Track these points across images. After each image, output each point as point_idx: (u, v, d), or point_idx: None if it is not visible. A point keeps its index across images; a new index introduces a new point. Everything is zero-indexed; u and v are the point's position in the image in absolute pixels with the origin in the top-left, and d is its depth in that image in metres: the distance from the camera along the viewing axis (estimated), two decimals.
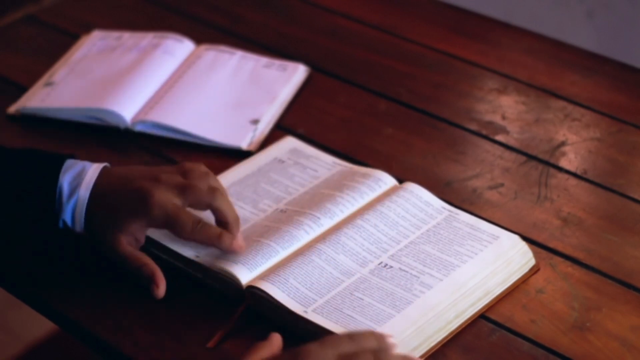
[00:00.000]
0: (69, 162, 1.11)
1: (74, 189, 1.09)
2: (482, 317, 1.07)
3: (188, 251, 1.11)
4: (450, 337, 1.05)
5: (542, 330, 1.05)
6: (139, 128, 1.33)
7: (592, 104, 1.38)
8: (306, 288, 1.06)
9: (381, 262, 1.10)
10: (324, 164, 1.25)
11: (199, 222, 1.07)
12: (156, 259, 1.11)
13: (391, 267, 1.09)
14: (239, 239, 1.09)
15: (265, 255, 1.09)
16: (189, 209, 1.09)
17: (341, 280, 1.08)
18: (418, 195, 1.17)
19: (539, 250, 1.14)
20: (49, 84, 1.40)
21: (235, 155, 1.29)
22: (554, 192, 1.23)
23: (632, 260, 1.13)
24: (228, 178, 1.23)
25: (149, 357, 1.04)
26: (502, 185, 1.24)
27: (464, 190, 1.24)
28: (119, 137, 1.33)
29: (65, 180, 1.09)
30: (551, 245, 1.15)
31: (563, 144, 1.31)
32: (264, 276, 1.07)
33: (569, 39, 1.54)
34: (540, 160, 1.28)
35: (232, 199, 1.18)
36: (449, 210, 1.16)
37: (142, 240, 1.10)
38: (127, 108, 1.34)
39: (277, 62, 1.45)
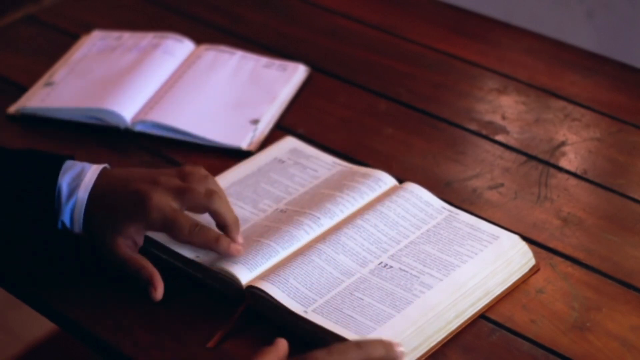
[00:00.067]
0: (68, 163, 1.11)
1: (72, 190, 1.09)
2: (482, 317, 1.07)
3: (188, 251, 1.10)
4: (450, 337, 1.05)
5: (542, 330, 1.05)
6: (139, 128, 1.33)
7: (592, 104, 1.38)
8: (306, 288, 1.06)
9: (381, 262, 1.10)
10: (324, 164, 1.25)
11: (197, 225, 1.07)
12: (156, 259, 1.11)
13: (391, 267, 1.09)
14: (239, 240, 1.09)
15: (265, 255, 1.09)
16: (187, 213, 1.09)
17: (341, 280, 1.08)
18: (418, 195, 1.17)
19: (539, 250, 1.14)
20: (49, 84, 1.40)
21: (235, 155, 1.29)
22: (554, 192, 1.23)
23: (632, 260, 1.13)
24: (228, 178, 1.23)
25: (149, 357, 1.04)
26: (502, 185, 1.24)
27: (464, 190, 1.24)
28: (119, 137, 1.33)
29: (64, 181, 1.09)
30: (551, 245, 1.15)
31: (563, 144, 1.31)
32: (264, 276, 1.07)
33: (569, 39, 1.54)
34: (540, 160, 1.28)
35: (232, 199, 1.18)
36: (449, 210, 1.16)
37: (141, 242, 1.10)
38: (127, 108, 1.34)
39: (277, 62, 1.45)
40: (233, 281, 1.07)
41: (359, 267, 1.09)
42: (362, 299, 1.06)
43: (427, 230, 1.14)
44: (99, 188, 1.09)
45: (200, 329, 1.06)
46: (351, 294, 1.06)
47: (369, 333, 1.01)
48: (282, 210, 1.17)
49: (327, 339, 1.02)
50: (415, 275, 1.08)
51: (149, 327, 1.06)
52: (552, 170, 1.27)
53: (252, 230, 1.14)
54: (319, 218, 1.14)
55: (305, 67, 1.44)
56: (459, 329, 1.05)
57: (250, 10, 1.59)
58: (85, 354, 1.46)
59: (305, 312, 1.04)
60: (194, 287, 1.10)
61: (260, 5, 1.60)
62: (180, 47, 1.46)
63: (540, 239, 1.16)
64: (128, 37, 1.48)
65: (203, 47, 1.48)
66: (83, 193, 1.09)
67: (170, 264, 1.12)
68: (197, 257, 1.10)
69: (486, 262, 1.10)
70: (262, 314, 1.06)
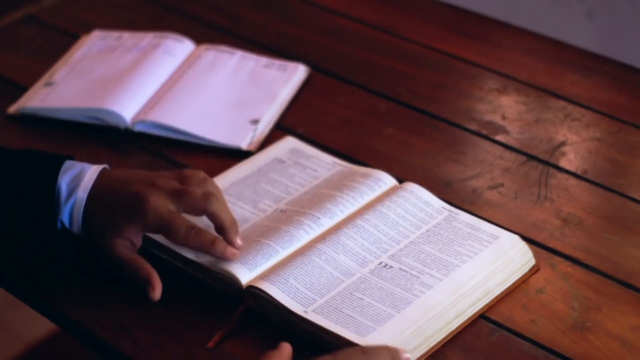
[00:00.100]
0: (67, 164, 1.11)
1: (72, 190, 1.09)
2: (482, 317, 1.07)
3: (188, 251, 1.10)
4: (450, 337, 1.05)
5: (542, 330, 1.05)
6: (139, 128, 1.33)
7: (592, 104, 1.38)
8: (306, 288, 1.06)
9: (381, 262, 1.10)
10: (324, 164, 1.25)
11: (193, 227, 1.07)
12: (156, 260, 1.11)
13: (391, 267, 1.09)
14: (237, 241, 1.09)
15: (265, 255, 1.09)
16: (185, 215, 1.09)
17: (341, 280, 1.08)
18: (418, 195, 1.17)
19: (539, 250, 1.14)
20: (49, 84, 1.40)
21: (235, 155, 1.29)
22: (554, 192, 1.23)
23: (632, 260, 1.13)
24: (228, 178, 1.23)
25: (149, 357, 1.04)
26: (502, 185, 1.24)
27: (464, 190, 1.24)
28: (119, 137, 1.33)
29: (64, 182, 1.10)
30: (551, 245, 1.15)
31: (563, 144, 1.31)
32: (264, 276, 1.07)
33: (569, 39, 1.54)
34: (540, 160, 1.28)
35: (232, 199, 1.18)
36: (449, 210, 1.16)
37: (139, 244, 1.10)
38: (127, 108, 1.34)
39: (277, 62, 1.45)
40: (233, 281, 1.07)
41: (359, 267, 1.09)
42: (362, 299, 1.06)
43: (427, 230, 1.14)
44: (98, 189, 1.09)
45: (200, 329, 1.06)
46: (351, 294, 1.06)
47: (368, 333, 1.01)
48: (282, 210, 1.17)
49: (327, 339, 1.02)
50: (415, 275, 1.08)
51: (149, 327, 1.06)
52: (552, 170, 1.27)
53: (252, 230, 1.14)
54: (319, 218, 1.14)
55: (305, 67, 1.44)
56: (459, 329, 1.05)
57: (250, 10, 1.59)
58: (85, 354, 1.46)
59: (305, 312, 1.04)
60: (194, 287, 1.10)
61: (260, 5, 1.60)
62: (180, 47, 1.46)
63: (540, 239, 1.16)
64: (128, 37, 1.48)
65: (203, 47, 1.48)
66: (82, 193, 1.09)
67: (170, 264, 1.12)
68: (197, 257, 1.10)
69: (486, 262, 1.10)
70: (262, 314, 1.06)
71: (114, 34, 1.50)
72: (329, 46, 1.51)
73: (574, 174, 1.26)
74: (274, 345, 1.01)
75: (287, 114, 1.37)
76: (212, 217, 1.09)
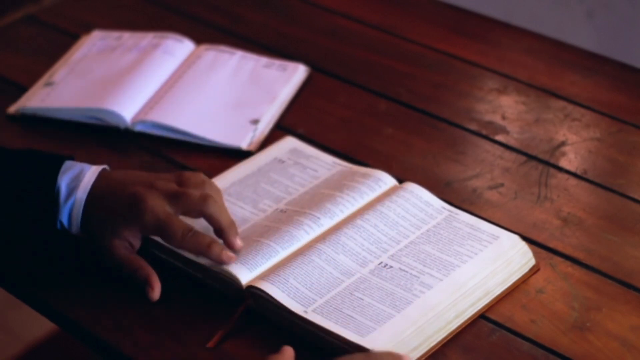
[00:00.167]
0: (67, 164, 1.11)
1: (71, 190, 1.09)
2: (482, 317, 1.07)
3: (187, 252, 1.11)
4: (450, 337, 1.05)
5: (542, 330, 1.05)
6: (139, 128, 1.33)
7: (592, 104, 1.38)
8: (306, 288, 1.06)
9: (381, 262, 1.10)
10: (324, 164, 1.25)
11: (190, 230, 1.07)
12: (156, 259, 1.11)
13: (391, 267, 1.09)
14: (237, 242, 1.09)
15: (265, 255, 1.09)
16: (184, 218, 1.09)
17: (341, 280, 1.08)
18: (418, 195, 1.17)
19: (539, 250, 1.14)
20: (49, 84, 1.40)
21: (235, 155, 1.29)
22: (554, 192, 1.23)
23: (632, 260, 1.13)
24: (228, 178, 1.23)
25: (149, 357, 1.04)
26: (502, 185, 1.24)
27: (464, 190, 1.24)
28: (119, 137, 1.33)
29: (63, 182, 1.10)
30: (551, 245, 1.15)
31: (563, 144, 1.31)
32: (264, 276, 1.07)
33: (569, 39, 1.54)
34: (540, 160, 1.28)
35: (232, 199, 1.18)
36: (449, 210, 1.16)
37: (138, 245, 1.10)
38: (127, 108, 1.34)
39: (277, 62, 1.45)
40: (233, 281, 1.07)
41: (359, 267, 1.09)
42: (362, 299, 1.06)
43: (427, 230, 1.14)
44: (97, 189, 1.10)
45: (200, 329, 1.06)
46: (351, 294, 1.06)
47: (369, 333, 1.01)
48: (282, 211, 1.17)
49: (327, 339, 1.02)
50: (415, 275, 1.08)
51: (149, 327, 1.06)
52: (552, 170, 1.27)
53: (252, 230, 1.14)
54: (319, 218, 1.14)
55: (305, 67, 1.44)
56: (459, 329, 1.05)
57: (250, 10, 1.59)
58: (85, 354, 1.46)
59: (305, 312, 1.04)
60: (194, 287, 1.10)
61: (260, 5, 1.60)
62: (180, 47, 1.46)
63: (540, 239, 1.16)
64: (128, 37, 1.48)
65: (203, 47, 1.48)
66: (82, 194, 1.09)
67: (170, 264, 1.12)
68: (197, 257, 1.10)
69: (486, 262, 1.10)
70: (262, 314, 1.06)
71: (114, 34, 1.50)
72: (329, 46, 1.51)
73: (574, 174, 1.26)
74: (274, 345, 1.02)
75: (287, 114, 1.37)
76: (210, 219, 1.09)
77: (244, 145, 1.30)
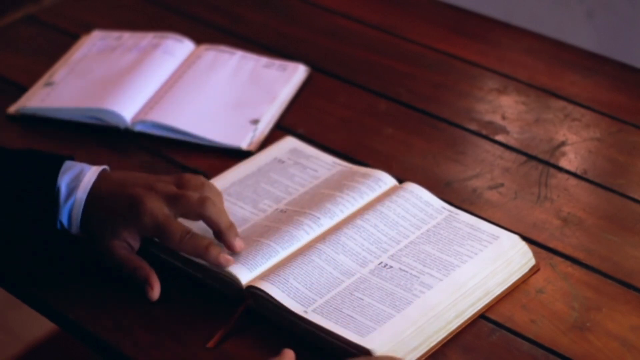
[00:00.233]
0: (67, 164, 1.11)
1: (71, 190, 1.09)
2: (482, 317, 1.07)
3: None
4: (450, 337, 1.05)
5: (542, 330, 1.05)
6: (138, 128, 1.33)
7: (592, 104, 1.38)
8: (306, 288, 1.06)
9: (381, 262, 1.10)
10: (324, 164, 1.25)
11: (188, 232, 1.07)
12: (156, 259, 1.11)
13: (391, 267, 1.09)
14: (236, 243, 1.09)
15: (265, 255, 1.09)
16: (184, 221, 1.09)
17: (341, 280, 1.08)
18: (418, 195, 1.17)
19: (539, 250, 1.14)
20: (49, 84, 1.40)
21: (235, 155, 1.29)
22: (554, 192, 1.23)
23: (632, 260, 1.13)
24: (228, 178, 1.23)
25: (149, 357, 1.04)
26: (502, 185, 1.24)
27: (464, 190, 1.24)
28: (119, 137, 1.33)
29: (63, 182, 1.10)
30: (551, 245, 1.15)
31: (563, 144, 1.31)
32: (263, 276, 1.07)
33: (569, 39, 1.54)
34: (540, 160, 1.28)
35: (232, 199, 1.18)
36: (449, 210, 1.16)
37: (137, 246, 1.10)
38: (127, 108, 1.34)
39: (277, 62, 1.45)
40: (233, 281, 1.07)
41: (359, 267, 1.09)
42: (362, 299, 1.05)
43: (427, 230, 1.14)
44: (97, 190, 1.10)
45: (200, 329, 1.06)
46: (351, 294, 1.06)
47: (369, 333, 1.01)
48: (282, 211, 1.17)
49: (327, 339, 1.02)
50: (415, 275, 1.08)
51: (149, 327, 1.06)
52: (552, 170, 1.27)
53: (252, 230, 1.14)
54: (319, 218, 1.14)
55: (305, 67, 1.44)
56: (459, 329, 1.05)
57: (250, 10, 1.59)
58: (85, 354, 1.46)
59: (305, 312, 1.04)
60: (194, 287, 1.10)
61: (260, 5, 1.60)
62: (180, 47, 1.46)
63: (540, 239, 1.16)
64: (128, 37, 1.48)
65: (203, 47, 1.48)
66: (81, 194, 1.09)
67: (170, 264, 1.12)
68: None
69: (486, 262, 1.10)
70: (262, 314, 1.06)
71: (114, 34, 1.50)
72: (329, 46, 1.51)
73: (574, 174, 1.26)
74: (274, 346, 1.02)
75: (287, 114, 1.37)
76: (208, 222, 1.09)
77: (244, 145, 1.30)
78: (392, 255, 1.11)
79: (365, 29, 1.55)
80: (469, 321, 1.06)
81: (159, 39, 1.47)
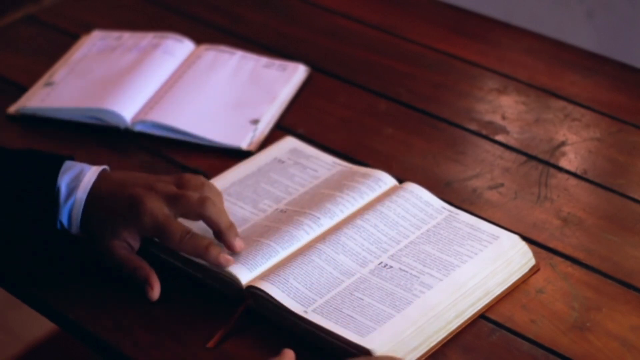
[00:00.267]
0: (67, 164, 1.11)
1: (71, 190, 1.09)
2: (482, 317, 1.07)
3: None
4: (450, 337, 1.05)
5: (542, 330, 1.05)
6: (138, 128, 1.33)
7: (592, 104, 1.38)
8: (306, 288, 1.06)
9: (381, 262, 1.10)
10: (324, 164, 1.25)
11: (188, 232, 1.07)
12: (156, 259, 1.11)
13: (391, 267, 1.09)
14: (237, 243, 1.09)
15: (265, 255, 1.09)
16: (182, 220, 1.09)
17: (341, 280, 1.08)
18: (418, 195, 1.17)
19: (539, 250, 1.14)
20: (49, 84, 1.40)
21: (235, 155, 1.29)
22: (554, 192, 1.23)
23: (632, 260, 1.13)
24: (228, 178, 1.23)
25: (149, 357, 1.04)
26: (502, 185, 1.24)
27: (464, 190, 1.24)
28: (119, 137, 1.33)
29: (63, 182, 1.10)
30: (551, 245, 1.15)
31: (563, 144, 1.31)
32: (263, 276, 1.07)
33: (569, 39, 1.54)
34: (540, 160, 1.28)
35: (232, 199, 1.18)
36: (449, 210, 1.16)
37: (137, 246, 1.11)
38: (127, 108, 1.34)
39: (277, 62, 1.45)
40: (233, 281, 1.07)
41: (359, 267, 1.09)
42: (362, 299, 1.05)
43: (427, 230, 1.14)
44: (97, 190, 1.10)
45: (200, 329, 1.06)
46: (351, 294, 1.06)
47: (368, 333, 1.01)
48: (282, 211, 1.17)
49: (327, 339, 1.02)
50: (415, 275, 1.08)
51: (149, 327, 1.06)
52: (552, 170, 1.27)
53: (252, 231, 1.14)
54: (319, 218, 1.14)
55: (305, 67, 1.44)
56: (459, 329, 1.05)
57: (250, 10, 1.59)
58: (85, 354, 1.46)
59: (305, 312, 1.04)
60: (194, 287, 1.10)
61: (260, 5, 1.60)
62: (180, 47, 1.46)
63: (540, 239, 1.16)
64: (128, 37, 1.48)
65: (203, 47, 1.48)
66: (82, 194, 1.09)
67: (170, 264, 1.12)
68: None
69: (486, 262, 1.10)
70: (262, 314, 1.06)
71: (114, 34, 1.50)
72: (329, 46, 1.51)
73: (574, 174, 1.26)
74: (274, 346, 1.02)
75: (287, 114, 1.37)
76: (208, 222, 1.09)
77: (244, 145, 1.30)
78: (392, 255, 1.11)
79: (365, 29, 1.55)
80: (469, 321, 1.06)
81: (159, 39, 1.47)
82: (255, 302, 1.06)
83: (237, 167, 1.25)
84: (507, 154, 1.30)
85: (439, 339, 1.04)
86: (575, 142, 1.32)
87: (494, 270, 1.09)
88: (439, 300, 1.05)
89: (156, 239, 1.11)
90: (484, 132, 1.34)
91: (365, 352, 1.00)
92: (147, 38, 1.48)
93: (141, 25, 1.53)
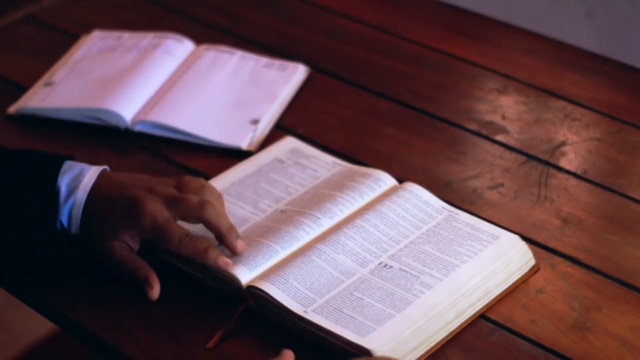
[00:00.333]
0: (67, 164, 1.11)
1: (71, 190, 1.09)
2: (482, 317, 1.07)
3: None
4: (450, 337, 1.05)
5: (542, 330, 1.05)
6: (138, 128, 1.33)
7: (592, 104, 1.38)
8: (306, 288, 1.06)
9: (381, 262, 1.10)
10: (324, 164, 1.25)
11: (187, 235, 1.08)
12: (156, 259, 1.11)
13: (391, 267, 1.09)
14: (238, 244, 1.09)
15: (265, 256, 1.09)
16: (182, 223, 1.09)
17: (341, 280, 1.08)
18: (418, 195, 1.17)
19: (539, 250, 1.14)
20: (49, 84, 1.40)
21: (235, 155, 1.29)
22: (554, 192, 1.23)
23: (632, 260, 1.13)
24: (228, 178, 1.23)
25: (149, 357, 1.04)
26: (502, 185, 1.24)
27: (464, 190, 1.24)
28: (119, 137, 1.33)
29: (63, 182, 1.10)
30: (551, 245, 1.15)
31: (563, 144, 1.31)
32: (264, 276, 1.07)
33: (569, 39, 1.54)
34: (540, 160, 1.28)
35: (232, 199, 1.18)
36: (449, 210, 1.16)
37: (137, 247, 1.10)
38: (127, 108, 1.34)
39: (277, 62, 1.45)
40: (233, 281, 1.07)
41: (359, 267, 1.09)
42: (362, 299, 1.05)
43: (427, 230, 1.14)
44: (97, 190, 1.10)
45: (200, 329, 1.06)
46: (351, 294, 1.06)
47: (369, 333, 1.01)
48: (282, 211, 1.17)
49: (327, 339, 1.02)
50: (415, 275, 1.08)
51: (149, 327, 1.06)
52: (552, 170, 1.27)
53: (252, 231, 1.14)
54: (319, 218, 1.14)
55: (305, 67, 1.44)
56: (459, 329, 1.05)
57: (250, 10, 1.59)
58: (85, 354, 1.46)
59: (305, 312, 1.04)
60: (194, 287, 1.10)
61: (260, 5, 1.60)
62: (180, 47, 1.46)
63: (540, 239, 1.16)
64: (128, 37, 1.48)
65: (203, 47, 1.48)
66: (82, 194, 1.09)
67: (170, 264, 1.12)
68: None
69: (486, 262, 1.10)
70: (262, 314, 1.06)
71: (114, 34, 1.50)
72: (329, 46, 1.51)
73: (574, 174, 1.26)
74: (274, 346, 1.02)
75: (287, 114, 1.37)
76: (208, 225, 1.09)
77: (244, 145, 1.30)
78: (392, 255, 1.11)
79: (365, 29, 1.55)
80: (469, 321, 1.06)
81: (159, 39, 1.47)
82: (255, 302, 1.06)
83: (237, 167, 1.25)
84: (507, 154, 1.30)
85: (439, 339, 1.04)
86: (575, 142, 1.32)
87: (494, 270, 1.09)
88: (439, 300, 1.05)
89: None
90: (484, 132, 1.34)
91: (365, 352, 1.00)
92: (147, 38, 1.48)
93: (141, 25, 1.53)
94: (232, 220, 1.11)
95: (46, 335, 2.15)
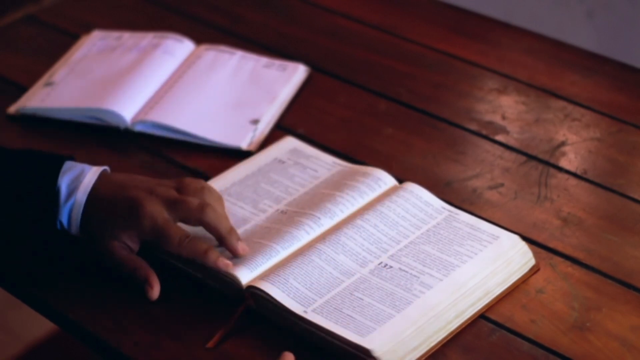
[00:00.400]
0: (68, 164, 1.11)
1: (71, 191, 1.09)
2: (482, 317, 1.07)
3: None
4: (450, 337, 1.05)
5: (542, 330, 1.05)
6: (138, 128, 1.33)
7: (592, 104, 1.38)
8: (306, 288, 1.06)
9: (381, 262, 1.10)
10: (324, 164, 1.25)
11: (187, 236, 1.08)
12: (156, 259, 1.11)
13: (391, 267, 1.09)
14: (238, 246, 1.09)
15: (265, 256, 1.09)
16: (182, 225, 1.09)
17: (341, 280, 1.08)
18: (418, 195, 1.17)
19: (539, 250, 1.14)
20: (49, 84, 1.40)
21: (235, 155, 1.28)
22: (554, 192, 1.23)
23: (632, 260, 1.13)
24: (228, 178, 1.22)
25: (149, 357, 1.04)
26: (502, 185, 1.24)
27: (464, 190, 1.24)
28: (119, 137, 1.33)
29: (64, 182, 1.10)
30: (551, 245, 1.15)
31: (563, 144, 1.31)
32: (264, 276, 1.07)
33: (569, 39, 1.54)
34: (540, 160, 1.28)
35: (232, 199, 1.18)
36: (449, 210, 1.16)
37: (136, 247, 1.10)
38: (127, 108, 1.34)
39: (277, 62, 1.45)
40: (233, 281, 1.07)
41: (359, 267, 1.09)
42: (362, 299, 1.05)
43: (427, 230, 1.14)
44: (97, 191, 1.10)
45: (200, 329, 1.06)
46: (351, 294, 1.06)
47: (369, 333, 1.01)
48: (282, 212, 1.17)
49: (327, 339, 1.02)
50: (415, 275, 1.08)
51: (149, 327, 1.06)
52: (552, 170, 1.27)
53: (253, 232, 1.14)
54: (319, 218, 1.14)
55: (305, 67, 1.44)
56: (459, 329, 1.05)
57: (250, 10, 1.59)
58: (85, 354, 1.46)
59: (305, 312, 1.04)
60: (194, 287, 1.10)
61: (260, 5, 1.60)
62: (180, 47, 1.46)
63: (540, 239, 1.16)
64: (128, 37, 1.48)
65: (203, 47, 1.48)
66: (82, 195, 1.09)
67: (170, 264, 1.12)
68: None
69: (486, 262, 1.10)
70: (262, 314, 1.06)
71: (114, 34, 1.50)
72: (329, 46, 1.51)
73: (574, 174, 1.26)
74: (274, 345, 1.02)
75: (287, 114, 1.37)
76: (208, 228, 1.09)
77: (244, 145, 1.30)
78: (392, 255, 1.11)
79: (365, 29, 1.55)
80: (469, 321, 1.06)
81: (159, 39, 1.47)
82: (256, 302, 1.06)
83: (237, 167, 1.25)
84: (507, 154, 1.30)
85: (439, 339, 1.04)
86: (575, 142, 1.32)
87: (494, 270, 1.09)
88: (439, 300, 1.05)
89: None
90: (484, 132, 1.34)
91: (365, 352, 1.00)
92: (147, 38, 1.48)
93: (141, 25, 1.53)
94: (232, 220, 1.11)
95: (46, 335, 2.15)
